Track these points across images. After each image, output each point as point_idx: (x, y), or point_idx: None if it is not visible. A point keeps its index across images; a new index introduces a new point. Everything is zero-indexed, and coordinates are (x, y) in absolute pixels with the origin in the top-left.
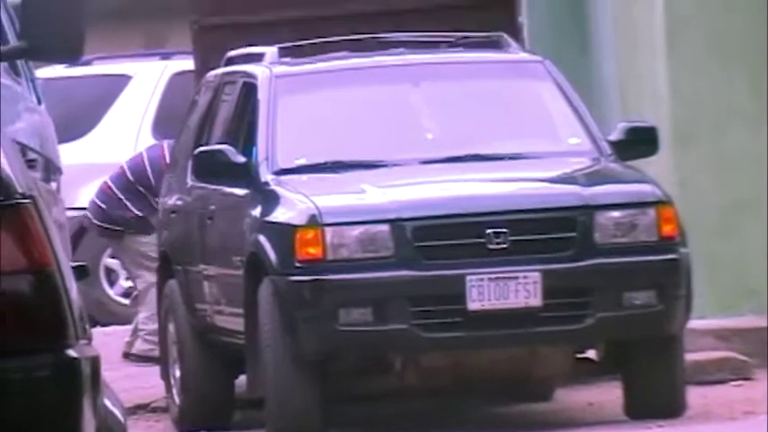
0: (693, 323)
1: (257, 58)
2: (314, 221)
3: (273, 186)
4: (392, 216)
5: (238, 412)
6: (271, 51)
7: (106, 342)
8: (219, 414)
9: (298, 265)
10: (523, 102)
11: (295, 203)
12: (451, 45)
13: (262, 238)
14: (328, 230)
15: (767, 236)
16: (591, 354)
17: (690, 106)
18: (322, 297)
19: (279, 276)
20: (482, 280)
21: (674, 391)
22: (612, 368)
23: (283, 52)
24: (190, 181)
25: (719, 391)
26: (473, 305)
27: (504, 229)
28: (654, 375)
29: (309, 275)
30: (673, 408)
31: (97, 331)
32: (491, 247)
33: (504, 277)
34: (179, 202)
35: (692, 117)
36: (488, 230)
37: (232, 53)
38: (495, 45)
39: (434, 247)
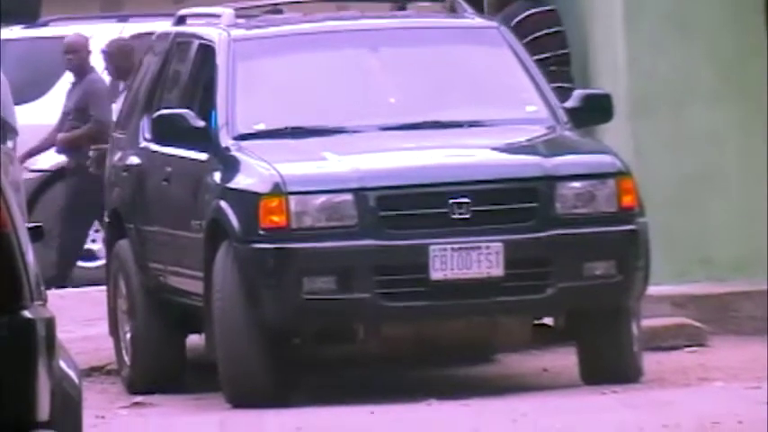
0: (650, 290)
1: (211, 18)
2: (278, 190)
3: (234, 152)
4: (356, 185)
5: (194, 374)
6: (227, 13)
7: (62, 305)
8: (171, 373)
9: (261, 232)
10: (481, 68)
11: (258, 171)
12: (400, 8)
13: (223, 204)
14: (292, 199)
15: (725, 206)
16: (547, 320)
17: (647, 79)
18: (286, 265)
19: (241, 244)
20: (445, 250)
21: (630, 357)
22: (568, 334)
23: (239, 13)
24: (143, 141)
25: (674, 357)
26: (436, 275)
27: (467, 200)
28: (609, 342)
29: (273, 243)
30: (628, 373)
31: (53, 294)
32: (454, 217)
33: (466, 247)
34: (132, 161)
35: (650, 90)
36: (451, 200)
37: (183, 11)
38: (449, 9)
39: (398, 217)
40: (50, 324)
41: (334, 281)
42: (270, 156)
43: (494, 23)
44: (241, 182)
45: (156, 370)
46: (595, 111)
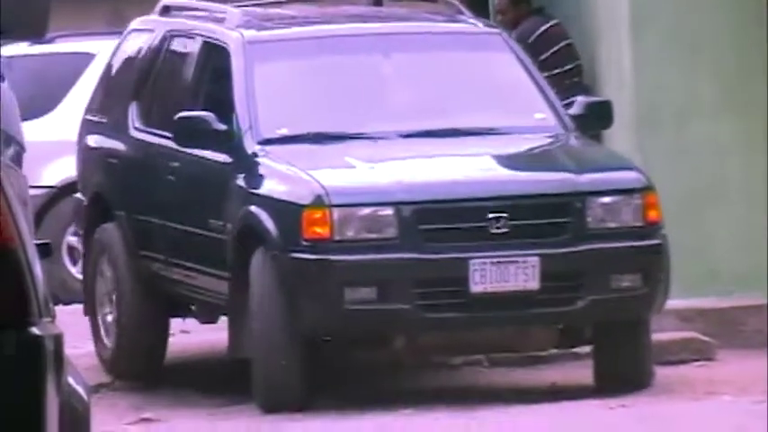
0: None
1: (197, 11)
2: (321, 202)
3: (263, 158)
4: (397, 198)
5: (205, 390)
6: (234, 12)
7: (68, 321)
8: (155, 353)
9: (304, 243)
10: (491, 74)
11: (297, 181)
12: (376, 2)
13: (256, 210)
14: (336, 211)
15: (730, 220)
16: None
17: (653, 93)
18: (329, 276)
19: (281, 252)
20: (484, 264)
21: (646, 363)
22: (583, 339)
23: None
24: (134, 130)
25: (681, 371)
26: (476, 288)
27: (505, 214)
28: (628, 349)
29: (316, 254)
30: (643, 379)
31: (59, 309)
32: (492, 231)
33: (505, 261)
34: (118, 148)
35: (656, 105)
36: (490, 215)
37: (167, 1)
38: (446, 10)
39: (437, 230)
40: (59, 340)
41: (375, 292)
42: (303, 164)
43: (497, 29)
44: (279, 191)
45: (141, 352)
46: (597, 117)
